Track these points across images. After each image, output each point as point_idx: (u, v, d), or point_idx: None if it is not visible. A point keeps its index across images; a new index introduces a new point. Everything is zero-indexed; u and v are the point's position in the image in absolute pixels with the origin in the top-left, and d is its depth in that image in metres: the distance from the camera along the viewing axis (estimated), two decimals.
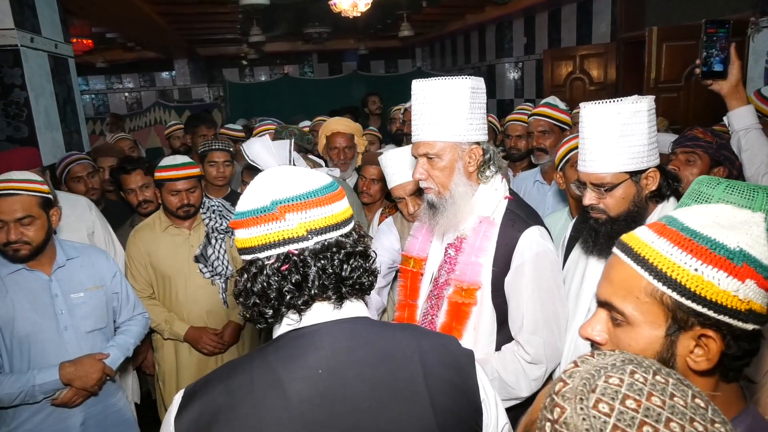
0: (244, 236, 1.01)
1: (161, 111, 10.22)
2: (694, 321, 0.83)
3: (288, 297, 1.00)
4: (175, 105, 10.50)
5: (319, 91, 9.50)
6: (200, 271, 2.64)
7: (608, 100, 1.61)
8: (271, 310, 1.01)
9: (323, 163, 2.33)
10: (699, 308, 0.81)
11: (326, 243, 1.01)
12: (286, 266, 0.99)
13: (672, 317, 0.84)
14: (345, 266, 1.02)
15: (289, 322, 1.03)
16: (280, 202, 0.98)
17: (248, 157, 2.14)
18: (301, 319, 1.02)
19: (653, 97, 1.64)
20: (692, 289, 0.81)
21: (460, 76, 1.65)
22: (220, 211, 2.78)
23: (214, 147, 3.25)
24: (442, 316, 1.73)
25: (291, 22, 9.45)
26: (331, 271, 1.01)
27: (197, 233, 2.70)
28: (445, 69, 12.11)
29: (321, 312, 1.03)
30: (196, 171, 2.64)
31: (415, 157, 1.73)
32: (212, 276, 2.65)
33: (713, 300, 0.80)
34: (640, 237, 0.89)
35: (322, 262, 1.00)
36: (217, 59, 13.35)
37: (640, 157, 1.59)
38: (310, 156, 2.45)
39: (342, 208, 1.05)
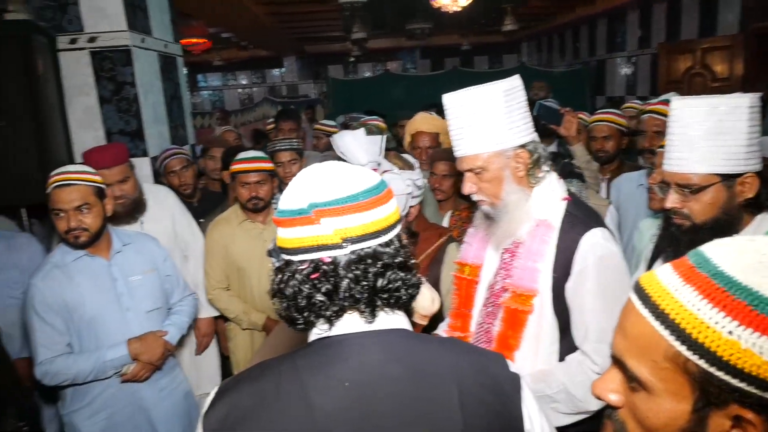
0: (282, 236, 0.98)
1: (269, 106, 10.75)
2: (729, 397, 0.62)
3: (317, 306, 0.95)
4: (282, 100, 11.00)
5: (420, 88, 9.46)
6: (273, 265, 2.70)
7: (705, 96, 1.44)
8: (301, 317, 0.97)
9: (416, 164, 2.24)
10: (735, 383, 0.61)
11: (362, 253, 0.93)
12: (317, 275, 0.93)
13: (700, 390, 0.64)
14: (380, 279, 0.94)
15: (319, 331, 0.99)
16: (317, 206, 0.91)
17: (338, 149, 2.13)
18: (330, 329, 0.97)
19: (760, 94, 1.44)
20: (725, 359, 0.61)
21: (491, 82, 1.55)
22: None
23: (277, 148, 3.28)
24: (498, 325, 1.64)
25: (393, 18, 9.52)
26: (365, 283, 0.93)
27: (272, 227, 2.74)
28: (552, 65, 11.62)
29: (352, 322, 0.97)
30: (267, 165, 2.71)
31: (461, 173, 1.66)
32: None
33: (753, 374, 0.59)
34: (662, 281, 0.69)
35: (356, 273, 0.93)
36: (324, 56, 13.79)
37: (736, 159, 1.40)
38: (404, 155, 2.35)
39: (385, 213, 0.96)
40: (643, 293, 0.72)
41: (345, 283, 0.93)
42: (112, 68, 3.42)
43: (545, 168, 1.64)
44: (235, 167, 2.70)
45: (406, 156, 2.36)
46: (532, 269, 1.59)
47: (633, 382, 0.71)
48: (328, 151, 4.25)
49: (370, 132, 3.17)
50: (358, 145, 2.06)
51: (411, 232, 2.13)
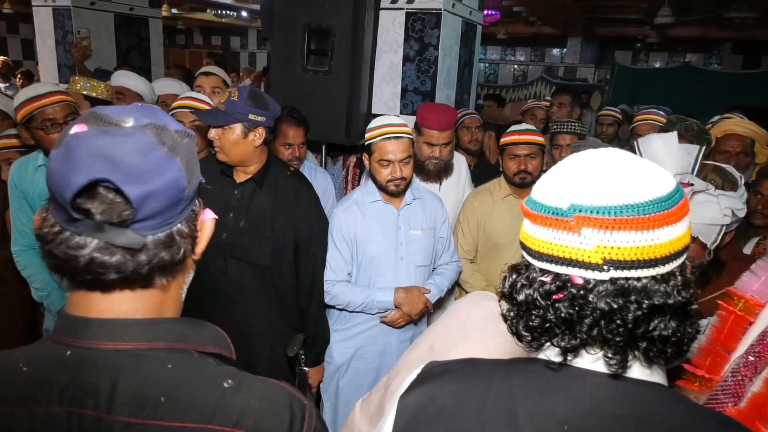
0: (527, 230, 0.79)
1: (542, 86, 10.46)
2: None
3: (550, 332, 0.77)
4: (557, 81, 10.58)
5: (724, 87, 8.23)
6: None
7: None
8: (529, 335, 0.80)
9: (740, 181, 1.81)
10: None
11: (627, 285, 0.71)
12: (560, 295, 0.74)
13: None
14: (642, 325, 0.71)
15: (547, 354, 0.81)
16: (581, 210, 0.71)
17: (641, 154, 1.86)
18: (564, 359, 0.78)
19: None
20: None
21: None
22: None
23: (557, 129, 3.16)
24: (759, 385, 1.28)
25: (710, 4, 8.30)
26: (619, 323, 0.71)
27: None
28: None
29: (591, 361, 0.77)
30: (539, 139, 2.60)
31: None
32: None
33: None
34: None
35: (612, 307, 0.71)
36: (612, 40, 12.86)
37: None
38: (726, 168, 1.90)
39: (671, 236, 0.72)
40: None
41: (593, 316, 0.72)
42: (421, 29, 3.62)
43: None
44: (507, 139, 2.66)
45: (728, 169, 1.93)
46: None
47: None
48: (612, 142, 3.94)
49: (688, 131, 2.78)
50: (668, 151, 1.76)
51: (716, 261, 1.73)
